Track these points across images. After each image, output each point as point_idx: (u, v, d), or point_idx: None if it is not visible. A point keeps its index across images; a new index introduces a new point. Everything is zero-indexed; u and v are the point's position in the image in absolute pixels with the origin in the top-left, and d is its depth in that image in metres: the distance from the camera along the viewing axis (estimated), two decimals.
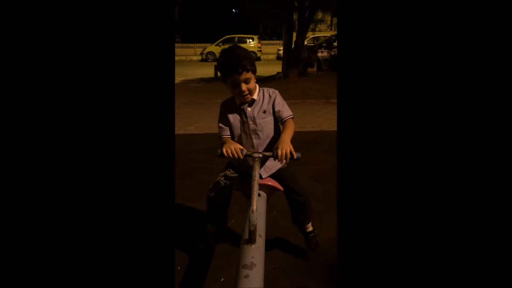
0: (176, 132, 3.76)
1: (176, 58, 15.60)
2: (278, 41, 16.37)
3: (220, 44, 15.57)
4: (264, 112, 1.31)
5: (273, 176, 1.39)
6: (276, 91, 1.36)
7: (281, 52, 10.05)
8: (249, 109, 1.30)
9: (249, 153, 1.20)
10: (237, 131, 1.33)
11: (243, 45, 15.48)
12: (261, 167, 1.36)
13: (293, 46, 8.35)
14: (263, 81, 7.41)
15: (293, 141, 1.26)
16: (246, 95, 1.26)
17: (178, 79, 8.71)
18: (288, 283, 1.45)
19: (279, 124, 1.35)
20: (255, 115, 1.30)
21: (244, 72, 1.22)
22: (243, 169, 1.38)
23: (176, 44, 18.08)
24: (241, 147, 1.21)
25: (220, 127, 1.36)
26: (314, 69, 8.96)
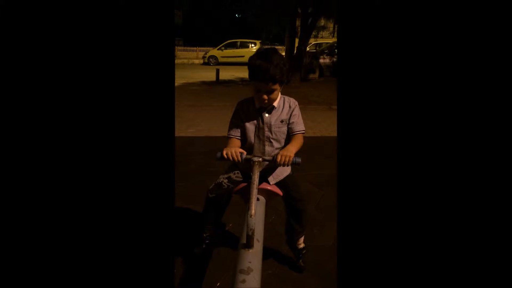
0: (176, 135, 3.75)
1: (178, 61, 15.70)
2: (281, 47, 16.46)
3: (222, 48, 15.64)
4: (282, 121, 1.29)
5: (278, 183, 1.37)
6: (296, 103, 1.34)
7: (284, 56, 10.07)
8: (267, 115, 1.29)
9: (248, 156, 1.19)
10: (251, 134, 1.31)
11: (245, 50, 15.47)
12: (270, 173, 1.35)
13: (295, 52, 8.39)
14: None
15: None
16: (266, 103, 1.25)
17: (179, 82, 8.74)
18: None
19: (289, 135, 1.32)
20: (272, 123, 1.29)
21: (271, 83, 1.18)
22: (249, 172, 1.37)
23: (178, 48, 18.20)
24: (242, 150, 1.20)
25: (231, 127, 1.32)
26: (316, 75, 9.00)
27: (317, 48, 11.72)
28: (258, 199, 1.27)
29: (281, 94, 1.33)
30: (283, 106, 1.31)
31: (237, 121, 1.32)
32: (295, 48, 8.41)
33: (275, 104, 1.29)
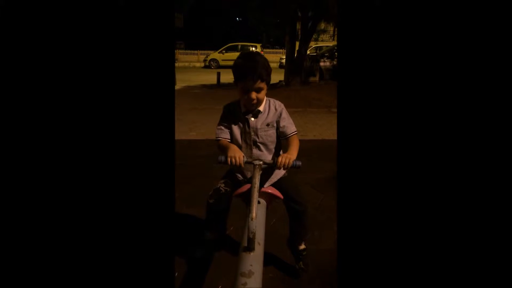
0: (177, 138, 3.75)
1: (180, 64, 15.75)
2: (281, 50, 16.52)
3: (223, 51, 15.70)
4: (268, 125, 1.29)
5: (274, 184, 1.38)
6: (282, 105, 1.34)
7: (284, 60, 10.13)
8: (253, 119, 1.29)
9: (249, 160, 1.20)
10: (238, 139, 1.32)
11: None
12: (264, 175, 1.36)
13: (295, 55, 8.41)
14: None
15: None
16: (254, 104, 1.24)
17: (180, 85, 8.76)
18: None
19: (281, 139, 1.33)
20: (258, 127, 1.29)
21: (259, 81, 1.19)
22: (245, 175, 1.38)
23: (179, 51, 18.26)
24: (243, 155, 1.21)
25: (219, 129, 1.33)
26: (316, 78, 9.02)
27: (318, 51, 11.76)
28: (259, 202, 1.28)
29: (267, 97, 1.33)
30: (269, 109, 1.31)
31: (225, 124, 1.33)
32: (296, 51, 8.43)
33: (261, 108, 1.30)
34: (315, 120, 4.89)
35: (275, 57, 16.92)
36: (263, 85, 1.22)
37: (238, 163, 1.17)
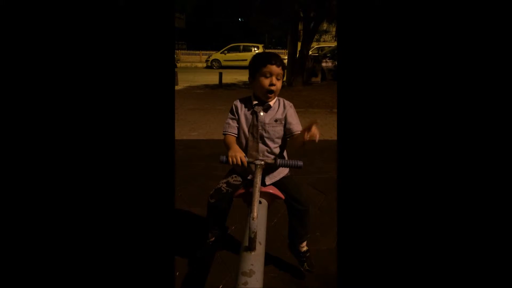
0: (179, 138, 3.78)
1: (182, 64, 15.77)
2: (283, 50, 16.51)
3: (225, 51, 15.72)
4: (276, 121, 1.32)
5: (276, 184, 1.39)
6: (292, 105, 1.38)
7: (286, 61, 10.14)
8: (262, 114, 1.32)
9: (251, 160, 1.20)
10: (245, 131, 1.34)
11: (248, 54, 15.56)
12: (266, 174, 1.36)
13: (297, 56, 8.42)
14: None
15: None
16: (272, 91, 1.29)
17: (183, 85, 8.78)
18: None
19: (287, 138, 1.34)
20: (266, 122, 1.32)
21: (280, 67, 1.28)
22: (246, 176, 1.38)
23: (181, 51, 18.29)
24: (245, 155, 1.21)
25: (227, 123, 1.36)
26: (318, 78, 9.01)
27: (320, 52, 11.74)
28: (260, 202, 1.28)
29: (281, 97, 1.38)
30: (279, 106, 1.35)
31: (233, 118, 1.36)
32: (298, 52, 8.43)
33: (272, 103, 1.33)
34: (317, 120, 4.89)
35: None
36: (282, 73, 1.30)
37: (239, 163, 1.17)
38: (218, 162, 1.23)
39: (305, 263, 1.49)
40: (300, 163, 1.19)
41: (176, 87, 8.14)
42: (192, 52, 18.84)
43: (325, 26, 10.26)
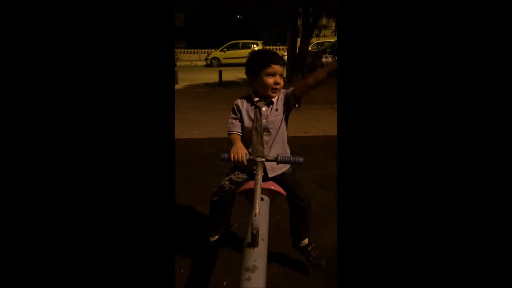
0: (180, 137, 3.79)
1: (181, 63, 15.76)
2: (283, 47, 16.46)
3: (225, 49, 15.69)
4: (277, 110, 1.37)
5: (277, 180, 1.40)
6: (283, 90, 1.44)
7: (286, 57, 10.12)
8: (264, 109, 1.35)
9: (252, 157, 1.21)
10: (248, 126, 1.36)
11: (247, 51, 15.56)
12: (269, 166, 1.38)
13: (297, 52, 8.39)
14: None
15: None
16: (277, 89, 1.33)
17: (182, 84, 8.78)
18: (291, 287, 1.45)
19: (296, 94, 1.34)
20: (268, 114, 1.36)
21: (282, 66, 1.33)
22: (252, 170, 1.39)
23: (181, 50, 18.26)
24: (246, 152, 1.22)
25: (230, 123, 1.38)
26: None
27: (319, 47, 11.71)
28: (262, 199, 1.29)
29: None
30: (278, 98, 1.39)
31: (236, 116, 1.39)
32: (297, 48, 8.41)
33: (274, 99, 1.37)
34: (318, 116, 4.89)
35: None
36: (282, 71, 1.36)
37: (240, 160, 1.18)
38: (219, 161, 1.24)
39: (310, 257, 1.50)
40: (301, 159, 1.19)
41: (176, 86, 8.14)
42: (191, 50, 18.82)
43: (324, 21, 10.22)
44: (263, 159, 1.19)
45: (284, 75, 9.13)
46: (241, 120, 1.37)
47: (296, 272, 1.53)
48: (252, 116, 1.35)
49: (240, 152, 1.20)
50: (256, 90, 1.37)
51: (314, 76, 1.35)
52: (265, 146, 1.35)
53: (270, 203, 1.36)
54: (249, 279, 0.84)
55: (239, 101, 1.40)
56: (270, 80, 1.32)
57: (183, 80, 9.26)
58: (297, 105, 1.38)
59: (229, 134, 1.37)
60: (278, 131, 1.37)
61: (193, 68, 14.54)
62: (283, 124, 1.39)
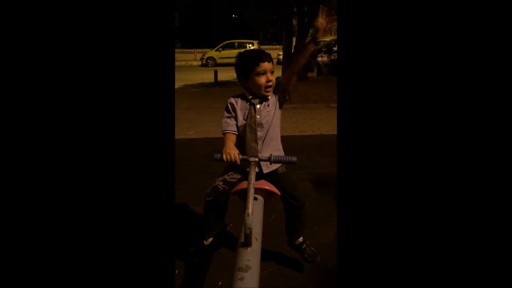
0: (176, 137, 3.77)
1: (176, 63, 15.68)
2: (278, 46, 16.48)
3: (220, 49, 15.65)
4: (268, 105, 1.38)
5: (272, 180, 1.39)
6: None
7: (281, 57, 10.11)
8: (258, 106, 1.36)
9: (245, 157, 1.21)
10: (243, 124, 1.36)
11: (243, 50, 15.63)
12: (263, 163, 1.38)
13: (292, 51, 8.39)
14: None
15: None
16: (270, 87, 1.34)
17: (178, 84, 8.75)
18: (287, 286, 1.45)
19: (282, 85, 1.40)
20: (261, 109, 1.37)
21: (271, 62, 1.33)
22: (244, 172, 1.39)
23: (176, 50, 18.16)
24: (238, 152, 1.22)
25: (225, 122, 1.37)
26: (314, 73, 9.00)
27: (315, 47, 11.72)
28: (256, 199, 1.29)
29: None
30: (271, 96, 1.40)
31: (230, 115, 1.38)
32: (293, 47, 8.42)
33: (269, 96, 1.38)
34: (314, 115, 4.89)
35: (273, 54, 16.83)
36: (273, 68, 1.36)
37: (233, 160, 1.18)
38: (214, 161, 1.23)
39: (305, 254, 1.51)
40: (294, 158, 1.19)
41: None
42: (186, 50, 18.75)
43: None
44: (256, 159, 1.19)
45: (280, 74, 9.13)
46: (236, 118, 1.37)
47: (292, 271, 1.53)
48: (247, 113, 1.36)
49: (232, 152, 1.20)
50: (249, 90, 1.37)
51: (294, 63, 1.40)
52: (259, 142, 1.35)
53: (265, 203, 1.36)
54: (242, 278, 0.84)
55: (233, 100, 1.40)
56: (262, 79, 1.32)
57: (179, 80, 9.23)
58: (287, 98, 1.40)
59: (223, 134, 1.36)
60: (270, 125, 1.37)
61: (188, 68, 14.49)
62: (276, 119, 1.39)
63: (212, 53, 15.70)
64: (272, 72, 1.34)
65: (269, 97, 1.38)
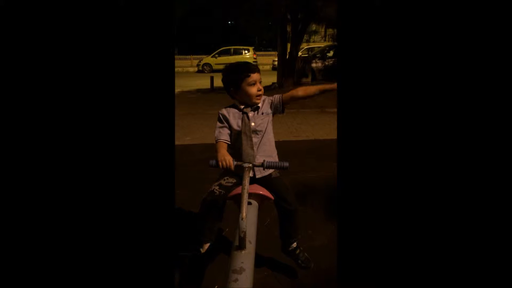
0: None
1: None
2: (273, 52, 16.59)
3: (216, 55, 15.74)
4: (263, 113, 1.44)
5: (265, 185, 1.43)
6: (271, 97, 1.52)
7: (276, 63, 10.20)
8: (251, 114, 1.42)
9: (239, 163, 1.25)
10: (237, 132, 1.41)
11: (239, 56, 15.56)
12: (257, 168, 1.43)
13: (287, 57, 8.48)
14: None
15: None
16: (260, 95, 1.41)
17: (175, 90, 8.76)
18: None
19: (283, 101, 1.45)
20: (255, 117, 1.43)
21: (259, 73, 1.42)
22: (239, 176, 1.42)
23: None
24: (232, 158, 1.27)
25: (218, 131, 1.42)
26: (309, 79, 9.08)
27: (310, 53, 11.84)
28: (250, 203, 1.33)
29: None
30: (264, 102, 1.47)
31: (223, 125, 1.44)
32: (288, 53, 8.51)
33: (260, 103, 1.45)
34: (308, 120, 4.95)
35: (268, 60, 17.00)
36: (260, 77, 1.44)
37: (228, 166, 1.22)
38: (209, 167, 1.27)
39: (299, 260, 1.52)
40: (286, 164, 1.23)
41: None
42: (183, 57, 18.82)
43: (314, 26, 10.35)
44: (250, 165, 1.23)
45: (275, 80, 9.15)
46: (229, 126, 1.43)
47: (287, 275, 1.56)
48: (241, 121, 1.41)
49: (227, 158, 1.25)
50: (240, 101, 1.44)
51: (304, 90, 1.45)
52: (255, 147, 1.40)
53: (259, 208, 1.39)
54: (236, 280, 0.87)
55: (224, 111, 1.46)
56: (253, 89, 1.40)
57: (175, 86, 9.21)
58: (282, 111, 1.46)
59: (216, 142, 1.42)
60: (265, 132, 1.44)
61: (184, 74, 14.53)
62: (269, 126, 1.46)
63: (208, 59, 15.78)
64: (260, 82, 1.43)
65: (259, 105, 1.44)
